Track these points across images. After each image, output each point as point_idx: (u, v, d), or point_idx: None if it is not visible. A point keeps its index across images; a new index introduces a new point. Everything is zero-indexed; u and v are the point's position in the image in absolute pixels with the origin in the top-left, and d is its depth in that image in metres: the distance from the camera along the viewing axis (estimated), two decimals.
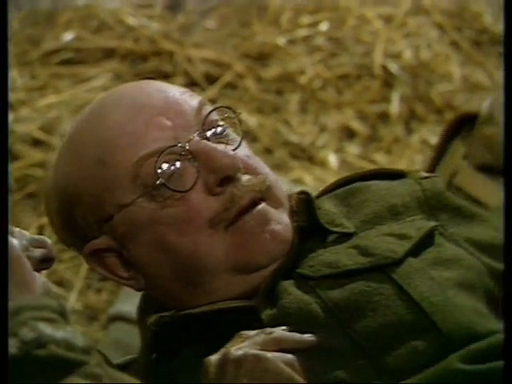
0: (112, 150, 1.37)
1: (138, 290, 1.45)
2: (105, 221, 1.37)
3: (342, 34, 3.53)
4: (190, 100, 1.39)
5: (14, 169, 3.07)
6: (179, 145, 1.35)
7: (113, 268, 1.38)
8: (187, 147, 1.34)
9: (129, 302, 2.72)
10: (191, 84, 3.35)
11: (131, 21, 3.44)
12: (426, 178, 1.43)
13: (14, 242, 1.26)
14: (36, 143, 3.21)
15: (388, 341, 1.32)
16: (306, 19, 3.57)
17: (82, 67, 3.34)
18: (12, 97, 3.24)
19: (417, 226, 1.39)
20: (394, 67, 3.28)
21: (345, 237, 1.39)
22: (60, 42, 3.35)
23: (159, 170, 1.32)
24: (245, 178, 1.35)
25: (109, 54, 3.36)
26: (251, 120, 3.23)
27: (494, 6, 3.27)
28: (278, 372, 1.27)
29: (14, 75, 3.30)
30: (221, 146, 1.34)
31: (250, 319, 1.34)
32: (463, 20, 3.14)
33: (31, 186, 3.03)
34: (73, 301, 2.71)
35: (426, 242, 1.38)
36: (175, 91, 1.43)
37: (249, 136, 3.36)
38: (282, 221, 1.36)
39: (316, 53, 3.36)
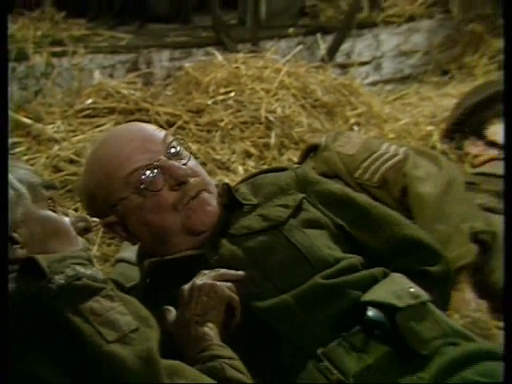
0: (113, 167, 1.72)
1: (134, 244, 1.85)
2: (112, 207, 1.74)
3: (243, 98, 3.55)
4: (159, 134, 1.74)
5: (59, 176, 3.16)
6: (154, 163, 1.68)
7: (118, 232, 1.78)
8: (158, 164, 1.68)
9: (128, 251, 2.65)
10: (159, 127, 3.17)
11: (124, 91, 3.60)
12: (298, 167, 1.90)
13: (65, 218, 1.68)
14: (71, 162, 3.25)
15: (282, 272, 1.70)
16: (222, 89, 3.61)
17: (96, 119, 3.54)
18: (58, 136, 3.33)
19: (293, 198, 1.79)
20: (272, 118, 3.44)
21: (253, 208, 1.76)
22: (84, 105, 3.56)
23: (143, 177, 1.69)
24: (192, 179, 1.71)
25: (111, 110, 3.54)
26: (194, 147, 3.35)
27: (322, 86, 3.57)
28: (223, 293, 1.65)
29: (59, 124, 3.39)
30: (177, 163, 1.70)
31: (202, 262, 1.70)
32: (306, 93, 3.55)
33: (70, 187, 3.13)
34: (94, 250, 2.76)
35: (300, 207, 1.78)
36: (149, 129, 1.79)
37: (194, 156, 3.17)
38: (212, 204, 1.72)
39: (229, 109, 3.54)
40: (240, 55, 3.83)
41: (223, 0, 4.06)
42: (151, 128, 1.80)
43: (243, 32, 4.12)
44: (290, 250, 1.73)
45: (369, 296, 1.67)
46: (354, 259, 1.74)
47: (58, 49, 3.70)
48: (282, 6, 4.09)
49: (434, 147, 3.42)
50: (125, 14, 4.05)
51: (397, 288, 1.71)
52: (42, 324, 1.45)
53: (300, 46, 4.04)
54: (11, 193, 1.67)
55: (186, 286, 1.65)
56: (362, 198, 1.91)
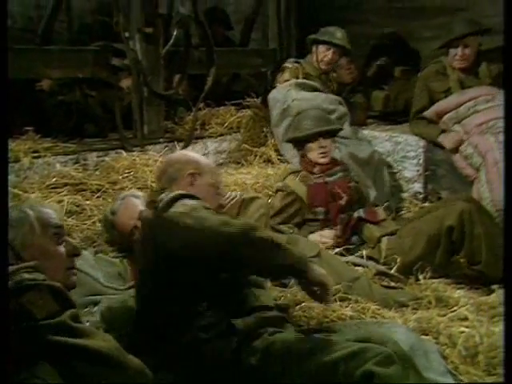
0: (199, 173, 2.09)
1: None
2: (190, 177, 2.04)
3: (137, 175, 3.96)
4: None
5: None
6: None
7: (193, 184, 2.01)
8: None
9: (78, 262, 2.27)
10: (92, 192, 3.88)
11: (73, 173, 3.96)
12: None
13: (61, 247, 1.78)
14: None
15: None
16: (126, 171, 4.02)
17: (58, 189, 3.85)
18: (36, 199, 3.53)
19: None
20: (154, 185, 3.53)
21: None
22: (51, 182, 3.86)
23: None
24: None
25: (65, 184, 3.90)
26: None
27: None
28: None
29: (37, 193, 3.65)
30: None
31: None
32: None
33: None
34: None
35: None
36: None
37: None
38: None
39: (130, 181, 3.95)
40: (135, 153, 4.30)
41: (125, 124, 4.48)
42: None
43: (136, 141, 4.54)
44: None
45: None
46: None
47: (35, 154, 4.05)
48: (156, 127, 4.67)
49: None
50: (71, 134, 4.62)
51: None
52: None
53: (166, 148, 4.51)
54: (27, 225, 1.77)
55: None
56: None
